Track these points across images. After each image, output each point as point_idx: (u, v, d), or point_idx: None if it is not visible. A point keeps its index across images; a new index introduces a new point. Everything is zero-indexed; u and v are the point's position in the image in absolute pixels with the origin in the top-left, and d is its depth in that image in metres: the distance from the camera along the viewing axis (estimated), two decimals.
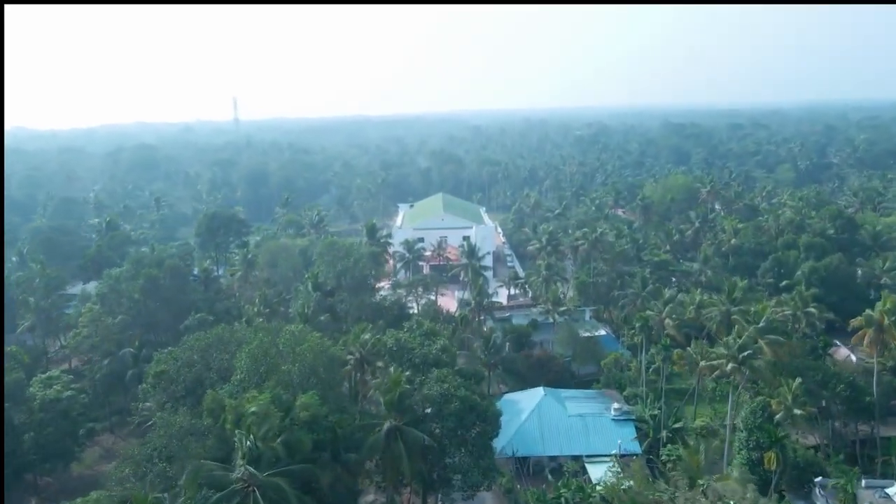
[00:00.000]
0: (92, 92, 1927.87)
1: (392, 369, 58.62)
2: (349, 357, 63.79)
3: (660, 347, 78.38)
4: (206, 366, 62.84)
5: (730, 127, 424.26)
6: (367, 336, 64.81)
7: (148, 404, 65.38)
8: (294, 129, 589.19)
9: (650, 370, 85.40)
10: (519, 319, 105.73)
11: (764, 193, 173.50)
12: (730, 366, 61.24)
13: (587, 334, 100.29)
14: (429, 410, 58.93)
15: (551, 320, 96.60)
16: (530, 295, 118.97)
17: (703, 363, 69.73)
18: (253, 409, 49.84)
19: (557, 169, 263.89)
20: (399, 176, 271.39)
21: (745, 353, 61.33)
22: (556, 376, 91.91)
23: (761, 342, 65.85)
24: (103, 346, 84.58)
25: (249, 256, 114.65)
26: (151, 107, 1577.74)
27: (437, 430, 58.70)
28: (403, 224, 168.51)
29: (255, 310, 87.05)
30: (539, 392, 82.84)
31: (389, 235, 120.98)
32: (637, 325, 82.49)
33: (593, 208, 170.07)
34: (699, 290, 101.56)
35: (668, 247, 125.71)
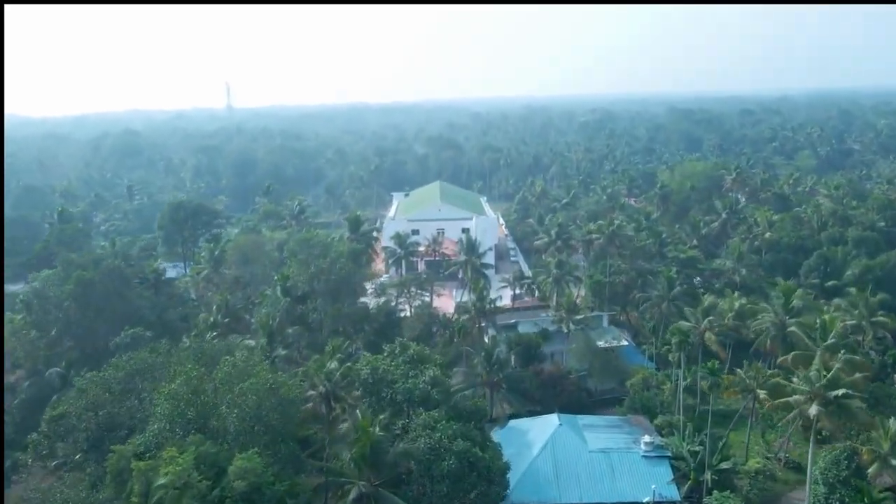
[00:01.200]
0: (87, 79, 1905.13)
1: (360, 411, 44.01)
2: (311, 393, 49.15)
3: (705, 370, 63.77)
4: (135, 398, 48.49)
5: (740, 113, 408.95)
6: (333, 364, 50.06)
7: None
8: (290, 116, 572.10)
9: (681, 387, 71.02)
10: (526, 327, 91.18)
11: (791, 181, 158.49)
12: (814, 408, 46.51)
13: (606, 344, 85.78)
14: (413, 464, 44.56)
15: (564, 329, 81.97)
16: (537, 295, 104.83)
17: (762, 394, 55.30)
18: (163, 481, 35.46)
19: (562, 156, 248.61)
20: (395, 163, 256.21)
21: (839, 393, 46.37)
22: (571, 397, 77.61)
23: (844, 374, 50.72)
24: (27, 364, 70.12)
25: (217, 253, 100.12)
26: (147, 94, 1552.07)
27: (427, 489, 44.38)
28: (397, 215, 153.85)
29: (212, 320, 72.48)
30: (552, 421, 68.29)
31: (376, 229, 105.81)
32: (674, 340, 67.72)
33: (604, 197, 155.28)
34: (735, 292, 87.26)
35: (694, 241, 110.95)
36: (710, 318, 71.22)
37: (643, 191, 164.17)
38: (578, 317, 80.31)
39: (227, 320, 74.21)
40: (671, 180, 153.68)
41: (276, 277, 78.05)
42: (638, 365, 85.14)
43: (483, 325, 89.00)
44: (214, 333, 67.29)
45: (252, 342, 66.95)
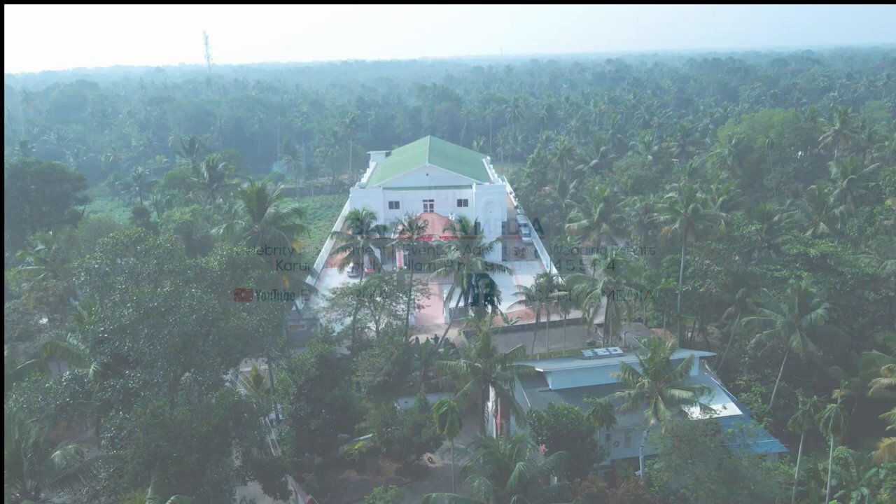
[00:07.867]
0: (78, 35, 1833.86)
1: None
2: None
3: None
4: None
5: (772, 63, 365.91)
6: None
7: None
8: (277, 71, 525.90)
9: None
10: (562, 380, 52.97)
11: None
12: None
13: (702, 414, 46.96)
14: None
15: (652, 420, 43.26)
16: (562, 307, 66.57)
17: None
18: None
19: (582, 107, 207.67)
20: (382, 119, 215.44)
21: None
22: None
23: None
24: None
25: (54, 247, 61.68)
26: (137, 51, 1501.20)
27: None
28: (370, 181, 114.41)
29: None
30: None
31: (297, 213, 64.94)
32: None
33: (649, 157, 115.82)
34: None
35: (821, 225, 71.71)
36: None
37: (699, 148, 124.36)
38: (682, 394, 41.29)
39: None
40: (737, 134, 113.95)
41: (89, 318, 39.29)
42: (760, 456, 47.75)
43: (489, 382, 50.63)
44: None
45: None
